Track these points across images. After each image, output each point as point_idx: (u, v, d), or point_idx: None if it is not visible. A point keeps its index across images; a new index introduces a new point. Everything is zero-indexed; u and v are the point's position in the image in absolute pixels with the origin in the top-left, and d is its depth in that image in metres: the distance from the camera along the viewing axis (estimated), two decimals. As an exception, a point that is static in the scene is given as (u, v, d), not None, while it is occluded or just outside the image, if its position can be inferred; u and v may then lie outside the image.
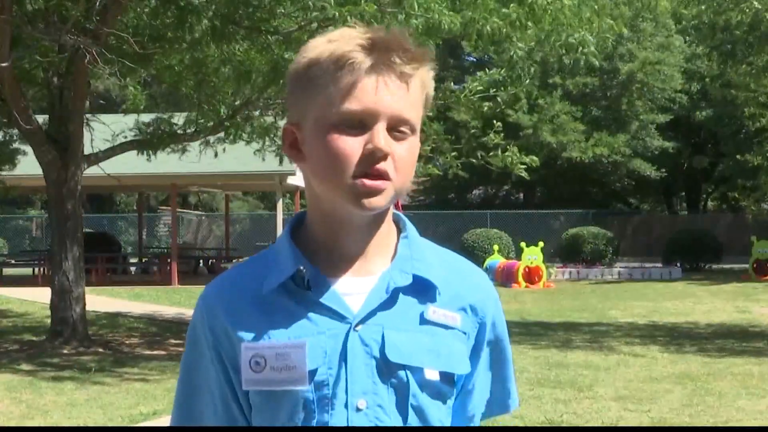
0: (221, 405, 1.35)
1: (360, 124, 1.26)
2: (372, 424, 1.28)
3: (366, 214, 1.30)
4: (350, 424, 1.27)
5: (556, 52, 9.61)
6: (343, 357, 1.28)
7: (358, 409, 1.27)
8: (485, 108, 11.59)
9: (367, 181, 1.26)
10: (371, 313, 1.30)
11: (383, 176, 1.26)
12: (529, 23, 8.82)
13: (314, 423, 1.28)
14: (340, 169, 1.26)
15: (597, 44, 9.23)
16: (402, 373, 1.29)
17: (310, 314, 1.30)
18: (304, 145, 1.32)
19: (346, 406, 1.27)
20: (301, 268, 1.31)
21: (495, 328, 1.42)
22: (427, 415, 1.31)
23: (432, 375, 1.31)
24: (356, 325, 1.29)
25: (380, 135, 1.26)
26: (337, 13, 7.79)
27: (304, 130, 1.32)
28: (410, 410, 1.30)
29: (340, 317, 1.30)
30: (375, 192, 1.26)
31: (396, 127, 1.28)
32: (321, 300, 1.31)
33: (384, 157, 1.26)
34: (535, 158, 11.59)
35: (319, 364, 1.28)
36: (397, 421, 1.29)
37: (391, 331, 1.30)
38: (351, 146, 1.26)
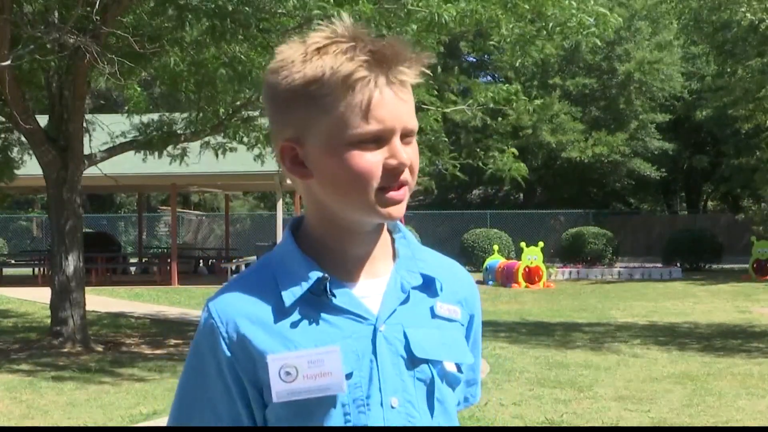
0: (229, 424, 1.31)
1: (377, 139, 1.27)
2: (405, 421, 1.30)
3: (390, 222, 1.35)
4: (386, 423, 1.29)
5: (556, 42, 9.64)
6: (374, 357, 1.30)
7: (392, 407, 1.29)
8: (489, 121, 11.68)
9: (394, 193, 1.29)
10: (391, 313, 1.33)
11: (404, 184, 1.30)
12: (527, 10, 8.86)
13: (350, 426, 1.29)
14: (362, 186, 1.27)
15: (598, 27, 9.27)
16: (425, 367, 1.33)
17: (332, 319, 1.31)
18: (310, 161, 1.30)
19: (381, 405, 1.29)
20: (325, 275, 1.30)
21: (476, 320, 1.48)
22: (446, 405, 1.36)
23: (450, 367, 1.36)
24: (380, 326, 1.31)
25: (401, 150, 1.28)
26: (335, 13, 7.79)
27: (308, 146, 1.30)
28: (436, 403, 1.34)
29: (363, 319, 1.31)
30: (400, 201, 1.30)
31: (406, 135, 1.30)
32: (341, 304, 1.31)
33: (404, 169, 1.29)
34: (523, 166, 11.81)
35: (353, 367, 1.29)
36: (425, 415, 1.32)
37: (411, 329, 1.33)
38: (372, 162, 1.27)
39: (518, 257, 22.76)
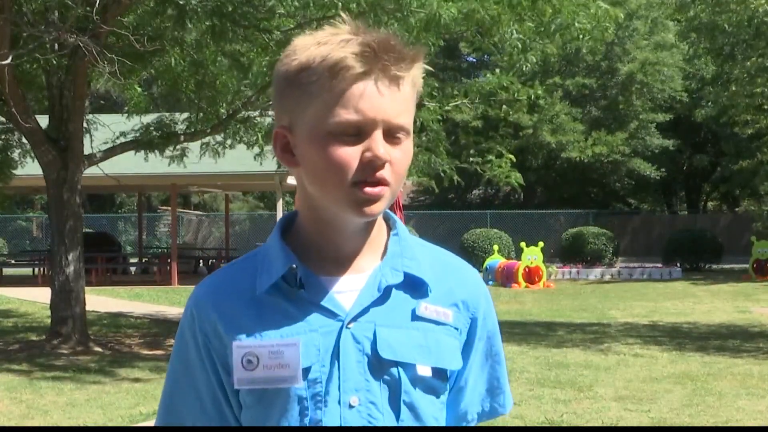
0: (212, 406, 1.34)
1: (357, 131, 1.26)
2: (365, 421, 1.28)
3: (365, 220, 1.31)
4: (343, 421, 1.28)
5: (556, 43, 9.63)
6: (336, 354, 1.28)
7: (350, 406, 1.28)
8: (490, 111, 11.69)
9: (368, 189, 1.26)
10: (363, 311, 1.31)
11: (382, 182, 1.27)
12: (527, 13, 8.86)
13: (307, 421, 1.28)
14: (338, 177, 1.26)
15: (597, 33, 9.26)
16: (394, 369, 1.30)
17: (303, 313, 1.31)
18: (297, 149, 1.31)
19: (339, 403, 1.28)
20: (294, 266, 1.31)
21: (486, 324, 1.42)
22: (419, 411, 1.32)
23: (424, 371, 1.31)
24: (348, 323, 1.30)
25: (379, 143, 1.26)
26: (340, 14, 7.80)
27: (296, 135, 1.31)
28: (403, 406, 1.30)
29: (333, 315, 1.30)
30: (375, 199, 1.27)
31: (392, 133, 1.28)
32: (313, 298, 1.31)
33: (383, 165, 1.26)
34: (519, 175, 11.87)
35: (312, 361, 1.28)
36: (390, 418, 1.30)
37: (383, 328, 1.30)
38: (349, 154, 1.25)
39: (518, 257, 22.76)
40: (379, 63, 1.26)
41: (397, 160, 1.28)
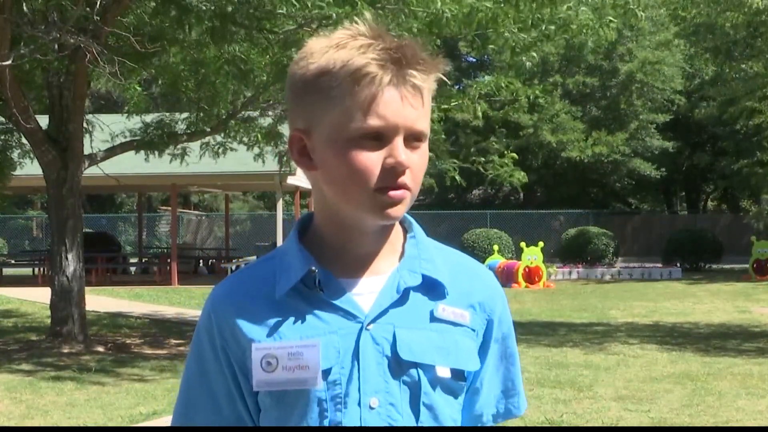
0: (228, 410, 1.34)
1: (379, 137, 1.26)
2: (384, 423, 1.28)
3: (387, 223, 1.32)
4: (363, 423, 1.28)
5: (559, 39, 9.61)
6: (356, 356, 1.29)
7: (370, 408, 1.28)
8: (489, 111, 11.69)
9: (392, 193, 1.27)
10: (382, 312, 1.31)
11: (404, 187, 1.28)
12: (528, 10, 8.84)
13: (327, 422, 1.28)
14: (360, 183, 1.26)
15: (598, 30, 9.26)
16: (414, 371, 1.30)
17: (322, 314, 1.31)
18: (316, 153, 1.31)
19: (359, 404, 1.28)
20: (313, 268, 1.31)
21: (502, 325, 1.45)
22: (438, 412, 1.32)
23: (443, 372, 1.32)
24: (368, 324, 1.30)
25: (401, 150, 1.26)
26: (335, 14, 7.79)
27: (314, 138, 1.30)
28: (422, 408, 1.31)
29: (352, 317, 1.30)
30: (397, 203, 1.28)
31: (412, 138, 1.28)
32: (332, 300, 1.31)
33: (404, 171, 1.27)
34: (523, 174, 11.88)
35: (332, 363, 1.28)
36: (409, 419, 1.30)
37: (403, 330, 1.31)
38: (371, 160, 1.26)
39: (518, 257, 22.76)
40: (402, 70, 1.26)
41: (416, 164, 1.29)
